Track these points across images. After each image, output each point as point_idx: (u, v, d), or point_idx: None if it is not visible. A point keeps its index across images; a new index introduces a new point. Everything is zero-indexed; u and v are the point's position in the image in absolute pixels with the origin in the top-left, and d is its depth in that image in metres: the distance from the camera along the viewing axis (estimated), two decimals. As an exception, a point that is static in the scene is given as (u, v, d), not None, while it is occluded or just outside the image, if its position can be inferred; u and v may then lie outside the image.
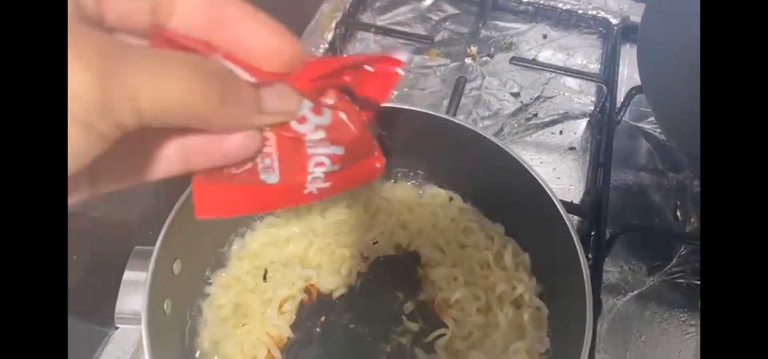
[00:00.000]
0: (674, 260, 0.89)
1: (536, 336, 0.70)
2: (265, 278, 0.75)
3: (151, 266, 0.62)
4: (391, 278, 0.75)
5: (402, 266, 0.76)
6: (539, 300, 0.72)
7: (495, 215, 0.79)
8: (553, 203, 0.67)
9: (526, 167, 0.69)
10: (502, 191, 0.76)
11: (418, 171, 0.84)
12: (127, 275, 0.64)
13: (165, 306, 0.65)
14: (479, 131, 0.73)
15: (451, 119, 0.75)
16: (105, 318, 0.73)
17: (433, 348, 0.70)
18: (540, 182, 0.68)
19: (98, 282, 0.73)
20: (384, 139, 0.53)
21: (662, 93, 0.87)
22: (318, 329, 0.71)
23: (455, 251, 0.76)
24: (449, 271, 0.74)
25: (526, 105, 1.07)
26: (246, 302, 0.73)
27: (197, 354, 0.71)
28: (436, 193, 0.82)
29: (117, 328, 0.65)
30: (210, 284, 0.75)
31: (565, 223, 0.65)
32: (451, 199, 0.82)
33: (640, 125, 1.05)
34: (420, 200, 0.82)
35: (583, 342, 0.57)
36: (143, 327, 0.59)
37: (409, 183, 0.84)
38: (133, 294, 0.64)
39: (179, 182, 0.47)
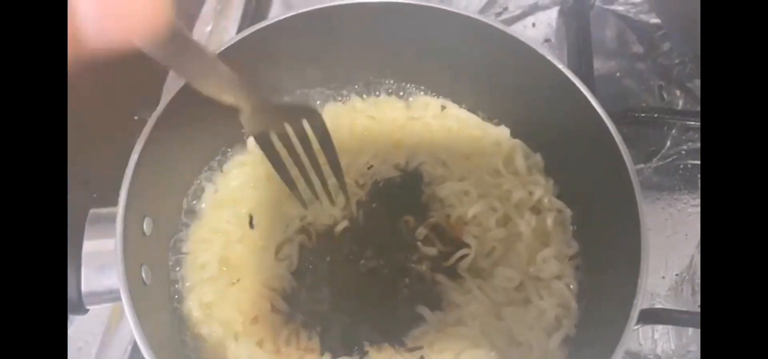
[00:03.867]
0: (668, 143, 0.86)
1: (563, 240, 0.64)
2: (251, 224, 0.65)
3: (119, 228, 0.50)
4: (396, 202, 0.66)
5: (404, 188, 0.67)
6: (560, 202, 0.66)
7: (496, 117, 0.72)
8: (569, 80, 0.60)
9: (535, 49, 0.61)
10: (500, 85, 0.68)
11: (402, 81, 0.74)
12: (88, 245, 0.52)
13: (143, 274, 0.54)
14: (466, 14, 0.63)
15: (430, 4, 0.64)
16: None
17: (456, 272, 0.63)
18: (551, 59, 0.60)
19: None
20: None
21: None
22: (325, 271, 0.62)
23: (460, 163, 0.69)
24: (458, 185, 0.66)
25: (494, -1, 0.98)
26: (234, 255, 0.63)
27: (188, 323, 0.60)
28: (427, 103, 0.73)
29: (87, 311, 0.53)
30: (185, 241, 0.64)
31: (587, 102, 0.59)
32: (443, 108, 0.73)
33: (612, 7, 0.99)
34: (410, 114, 0.73)
35: (641, 234, 0.52)
36: (126, 304, 0.48)
37: (394, 97, 0.74)
38: (101, 268, 0.52)
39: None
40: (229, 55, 0.60)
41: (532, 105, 0.67)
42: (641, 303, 0.73)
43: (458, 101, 0.73)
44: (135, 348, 0.70)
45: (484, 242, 0.63)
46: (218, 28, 0.97)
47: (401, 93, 0.74)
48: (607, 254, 0.59)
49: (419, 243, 0.63)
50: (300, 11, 0.65)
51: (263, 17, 0.96)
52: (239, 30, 0.92)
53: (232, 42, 0.62)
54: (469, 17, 0.63)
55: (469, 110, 0.73)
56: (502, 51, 0.63)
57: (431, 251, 0.63)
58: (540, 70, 0.61)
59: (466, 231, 0.64)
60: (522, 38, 0.62)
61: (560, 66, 0.59)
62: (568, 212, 0.66)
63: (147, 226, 0.55)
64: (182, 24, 0.40)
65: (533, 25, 0.97)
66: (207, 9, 0.97)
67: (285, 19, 0.65)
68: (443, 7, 0.65)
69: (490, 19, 0.64)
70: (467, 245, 0.63)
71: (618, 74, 0.93)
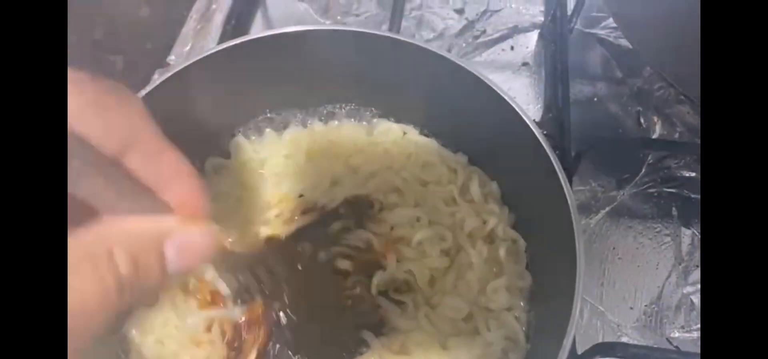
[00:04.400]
0: (643, 170, 0.84)
1: (515, 272, 0.63)
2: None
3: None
4: (343, 227, 0.65)
5: (355, 213, 0.66)
6: (514, 232, 0.65)
7: (456, 145, 0.71)
8: (522, 120, 0.59)
9: (487, 83, 0.61)
10: (461, 117, 0.67)
11: (365, 106, 0.74)
12: None
13: None
14: (431, 49, 0.63)
15: (398, 37, 0.65)
16: None
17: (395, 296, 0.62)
18: (506, 98, 0.60)
19: None
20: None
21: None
22: (271, 296, 0.61)
23: (415, 190, 0.68)
24: (411, 212, 0.66)
25: (473, 21, 0.98)
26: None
27: (130, 347, 0.60)
28: (388, 128, 0.73)
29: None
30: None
31: (538, 141, 0.58)
32: (405, 133, 0.72)
33: (593, 31, 0.98)
34: (370, 139, 0.72)
35: (576, 271, 0.50)
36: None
37: (355, 122, 0.74)
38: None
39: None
40: (193, 71, 0.61)
41: (489, 135, 0.66)
42: (604, 337, 0.73)
43: (418, 127, 0.72)
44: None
45: (421, 268, 0.62)
46: (196, 47, 0.98)
47: (361, 118, 0.74)
48: (554, 288, 0.58)
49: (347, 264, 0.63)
50: (263, 34, 0.65)
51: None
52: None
53: (199, 58, 0.63)
54: (428, 50, 0.64)
55: (428, 136, 0.72)
56: (458, 82, 0.63)
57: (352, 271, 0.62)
58: (497, 110, 0.61)
59: (392, 249, 0.63)
60: (473, 70, 0.61)
61: (506, 98, 0.59)
62: (522, 242, 0.64)
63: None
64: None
65: (512, 48, 0.96)
66: (186, 29, 0.98)
67: (251, 40, 0.66)
68: (406, 39, 0.66)
69: (446, 53, 0.64)
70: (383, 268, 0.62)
71: (595, 99, 0.92)
